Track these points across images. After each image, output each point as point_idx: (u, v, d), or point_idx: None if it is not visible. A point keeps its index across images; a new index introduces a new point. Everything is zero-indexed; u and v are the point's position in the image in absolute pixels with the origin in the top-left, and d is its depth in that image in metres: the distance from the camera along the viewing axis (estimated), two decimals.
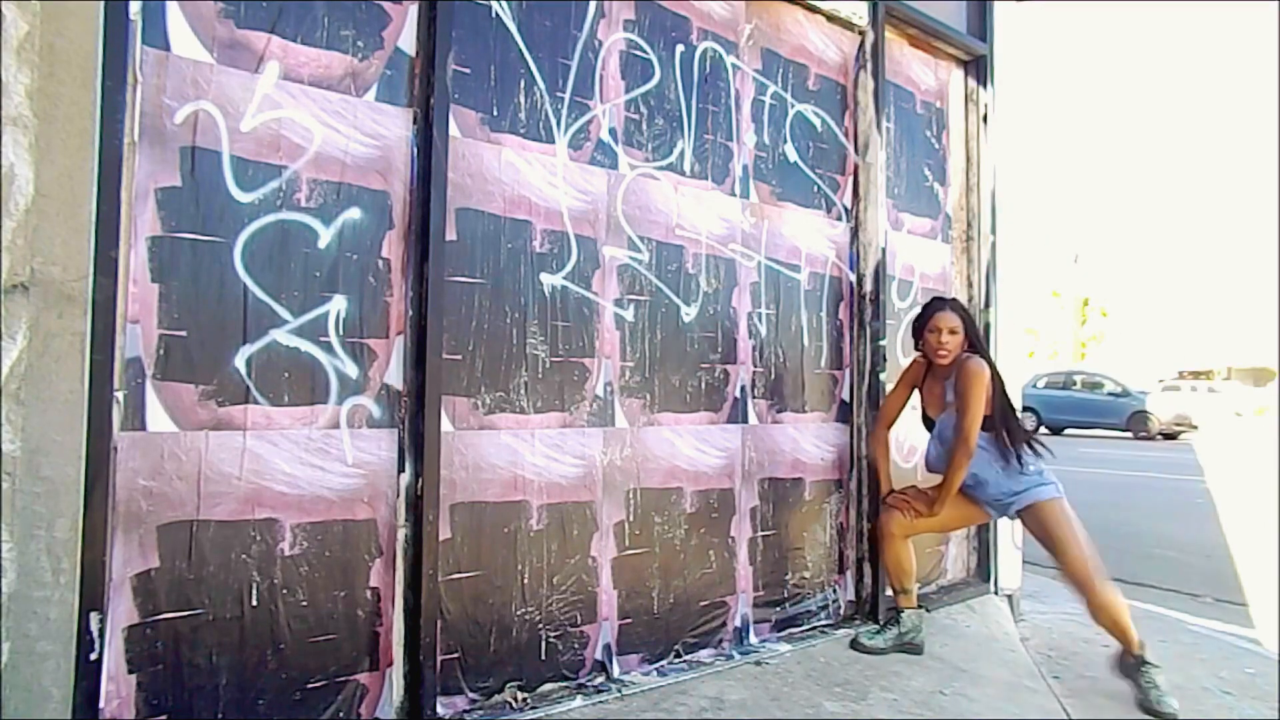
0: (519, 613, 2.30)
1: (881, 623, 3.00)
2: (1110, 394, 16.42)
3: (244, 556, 1.86)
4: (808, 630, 3.04)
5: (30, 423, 1.51)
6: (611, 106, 2.56)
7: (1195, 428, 16.40)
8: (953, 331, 2.70)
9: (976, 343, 2.79)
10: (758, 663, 2.69)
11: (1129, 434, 15.89)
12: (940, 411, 2.81)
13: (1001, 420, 2.70)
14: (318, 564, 1.97)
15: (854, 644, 2.86)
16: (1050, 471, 2.74)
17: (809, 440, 3.13)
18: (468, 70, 2.24)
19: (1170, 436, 16.01)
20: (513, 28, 2.34)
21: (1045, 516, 2.65)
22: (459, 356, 2.21)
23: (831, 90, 3.27)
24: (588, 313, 2.48)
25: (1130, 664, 2.57)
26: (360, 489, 2.03)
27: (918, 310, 2.91)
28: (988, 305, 3.72)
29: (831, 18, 3.22)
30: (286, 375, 1.93)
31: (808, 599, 3.09)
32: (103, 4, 1.61)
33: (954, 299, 2.89)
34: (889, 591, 3.24)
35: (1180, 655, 2.97)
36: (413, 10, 2.15)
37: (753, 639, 2.87)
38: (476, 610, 2.22)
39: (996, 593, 3.63)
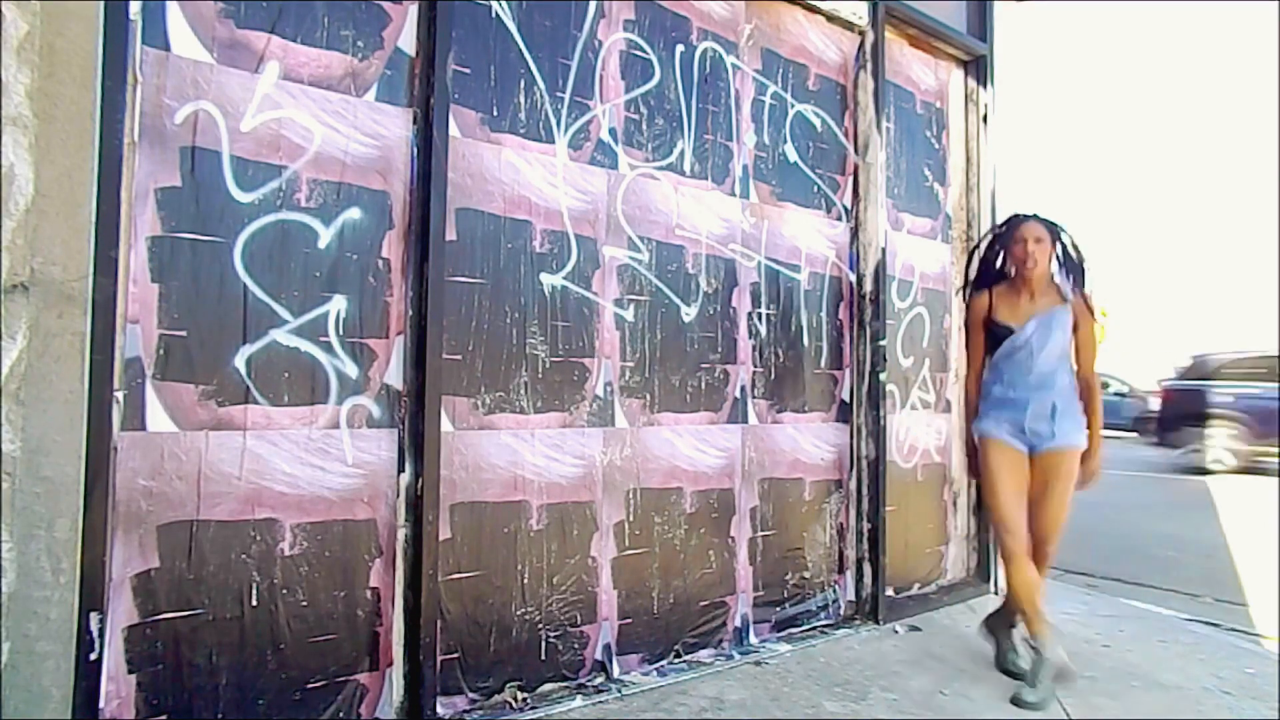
0: (519, 613, 2.30)
1: (1031, 671, 2.50)
2: (1116, 394, 16.39)
3: (244, 556, 1.86)
4: (808, 630, 3.04)
5: (30, 423, 1.51)
6: (611, 106, 2.56)
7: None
8: (1038, 240, 2.59)
9: (1066, 259, 2.66)
10: (758, 663, 2.69)
11: (1135, 434, 15.87)
12: (1023, 320, 2.61)
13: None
14: (318, 564, 1.96)
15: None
16: None
17: (809, 440, 3.13)
18: (468, 70, 2.24)
19: None
20: (513, 28, 2.34)
21: (1068, 466, 2.56)
22: (459, 356, 2.21)
23: (831, 90, 3.27)
24: (588, 313, 2.48)
25: (1008, 624, 2.65)
26: (360, 489, 2.03)
27: (1000, 229, 2.77)
28: None
29: (831, 18, 3.22)
30: (286, 375, 1.93)
31: (808, 599, 3.09)
32: (103, 4, 1.61)
33: (1035, 213, 2.69)
34: (890, 591, 3.25)
35: (1180, 655, 2.97)
36: (413, 10, 2.15)
37: (753, 639, 2.87)
38: (476, 610, 2.22)
39: (996, 593, 3.62)
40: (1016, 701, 2.41)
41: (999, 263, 2.74)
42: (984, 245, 2.84)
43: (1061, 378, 2.61)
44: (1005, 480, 2.59)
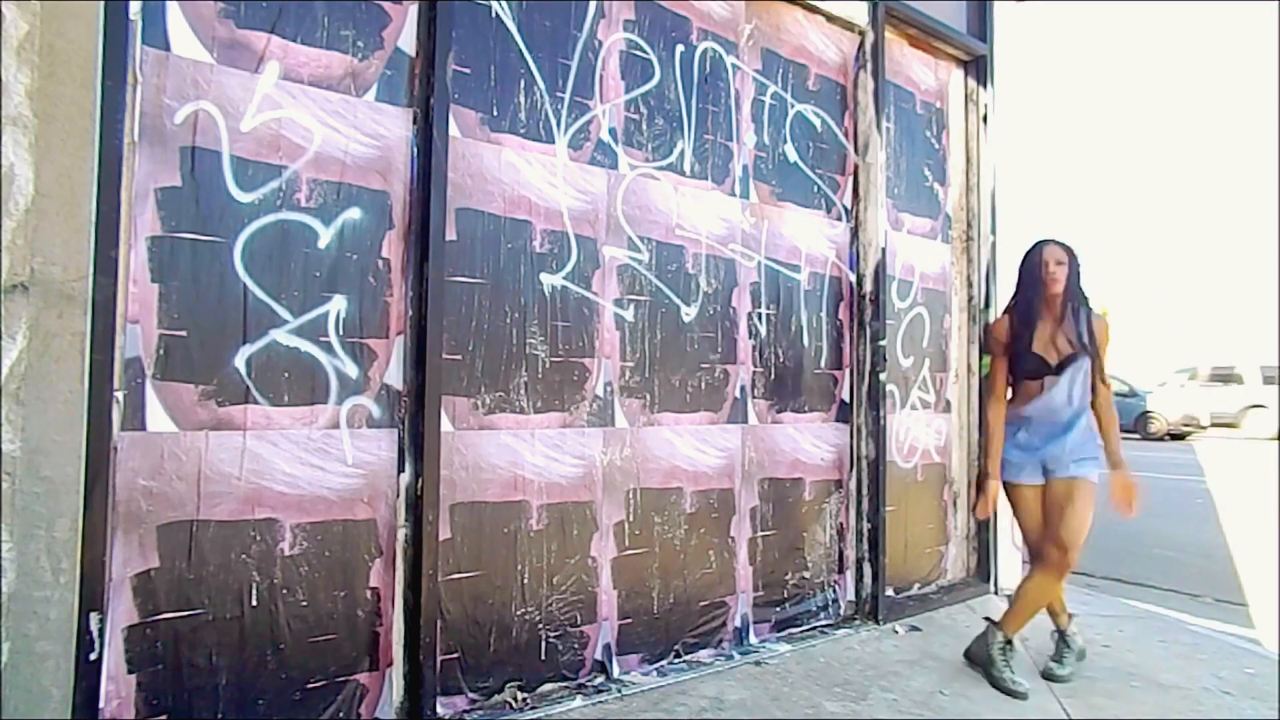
0: (519, 613, 2.30)
1: (1058, 651, 2.81)
2: (1117, 394, 16.36)
3: (244, 556, 1.86)
4: (808, 630, 3.04)
5: (30, 423, 1.51)
6: (611, 106, 2.56)
7: (1204, 428, 16.39)
8: (1059, 262, 2.68)
9: (1077, 283, 2.70)
10: (757, 663, 2.69)
11: (1135, 435, 15.88)
12: (1063, 355, 2.65)
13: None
14: (318, 564, 1.96)
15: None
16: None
17: (809, 440, 3.13)
18: (468, 70, 2.24)
19: (1178, 437, 15.99)
20: (513, 28, 2.34)
21: (1080, 488, 2.61)
22: (459, 356, 2.21)
23: (831, 90, 3.27)
24: (588, 313, 2.48)
25: (999, 642, 2.64)
26: (360, 489, 2.03)
27: (1027, 250, 2.76)
28: (987, 305, 3.72)
29: (831, 18, 3.22)
30: (286, 375, 1.93)
31: (808, 599, 3.09)
32: (103, 4, 1.61)
33: (1051, 238, 2.76)
34: (890, 591, 3.25)
35: (1180, 655, 2.97)
36: (413, 10, 2.15)
37: (753, 639, 2.87)
38: (476, 610, 2.22)
39: (996, 593, 3.63)
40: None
41: (1027, 292, 2.73)
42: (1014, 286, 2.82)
43: (1081, 420, 2.69)
44: (1033, 515, 2.75)
